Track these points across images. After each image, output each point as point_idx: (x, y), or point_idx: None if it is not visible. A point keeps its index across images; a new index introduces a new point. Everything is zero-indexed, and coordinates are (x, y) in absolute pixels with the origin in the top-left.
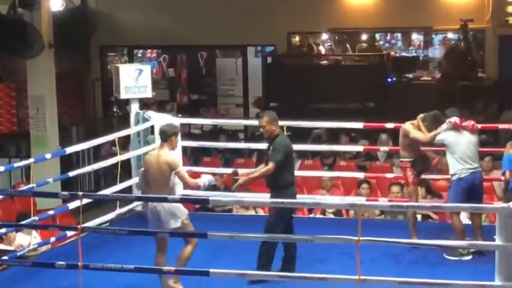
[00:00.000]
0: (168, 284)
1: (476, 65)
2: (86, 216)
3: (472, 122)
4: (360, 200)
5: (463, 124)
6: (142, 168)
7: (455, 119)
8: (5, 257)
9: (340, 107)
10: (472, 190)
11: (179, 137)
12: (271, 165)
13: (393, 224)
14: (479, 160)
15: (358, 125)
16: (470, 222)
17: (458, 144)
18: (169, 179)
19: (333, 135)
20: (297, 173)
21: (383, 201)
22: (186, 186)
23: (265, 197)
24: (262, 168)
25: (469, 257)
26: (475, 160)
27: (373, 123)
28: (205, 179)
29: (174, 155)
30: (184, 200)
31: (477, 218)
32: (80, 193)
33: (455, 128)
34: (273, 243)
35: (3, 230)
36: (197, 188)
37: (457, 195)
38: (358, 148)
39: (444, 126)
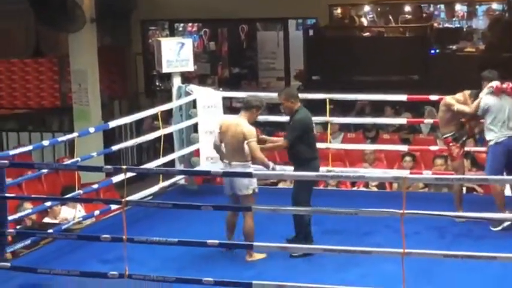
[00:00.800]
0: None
1: None
2: (129, 189)
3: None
4: (404, 173)
5: (503, 87)
6: (217, 132)
7: (496, 83)
8: (51, 230)
9: (383, 79)
10: (510, 155)
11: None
12: (284, 142)
13: (437, 196)
14: None
15: (402, 97)
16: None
17: (500, 110)
18: (244, 148)
19: (376, 108)
20: (340, 146)
21: (427, 174)
22: (254, 159)
23: None
24: (277, 143)
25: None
26: None
27: (417, 96)
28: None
29: (251, 127)
30: (226, 174)
31: None
32: (124, 167)
33: (496, 92)
34: (305, 216)
35: (49, 204)
36: (264, 165)
37: (495, 158)
38: (402, 120)
39: (485, 90)
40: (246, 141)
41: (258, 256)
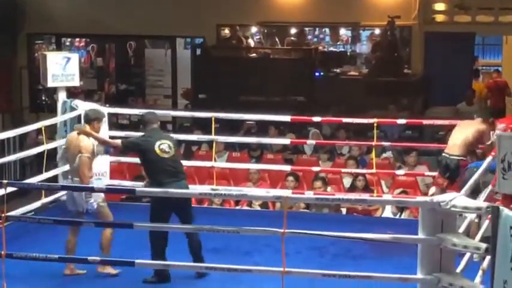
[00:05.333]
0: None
1: (403, 61)
2: (10, 205)
3: None
4: (286, 193)
5: None
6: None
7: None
8: None
9: (269, 100)
10: None
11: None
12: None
13: (318, 216)
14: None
15: (286, 118)
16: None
17: None
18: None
19: (261, 128)
20: (224, 164)
21: (309, 194)
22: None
23: (193, 189)
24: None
25: None
26: None
27: (301, 117)
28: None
29: (89, 141)
30: (110, 191)
31: None
32: (4, 181)
33: None
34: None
35: None
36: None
37: None
38: (285, 141)
39: None
40: (78, 155)
41: (111, 270)
